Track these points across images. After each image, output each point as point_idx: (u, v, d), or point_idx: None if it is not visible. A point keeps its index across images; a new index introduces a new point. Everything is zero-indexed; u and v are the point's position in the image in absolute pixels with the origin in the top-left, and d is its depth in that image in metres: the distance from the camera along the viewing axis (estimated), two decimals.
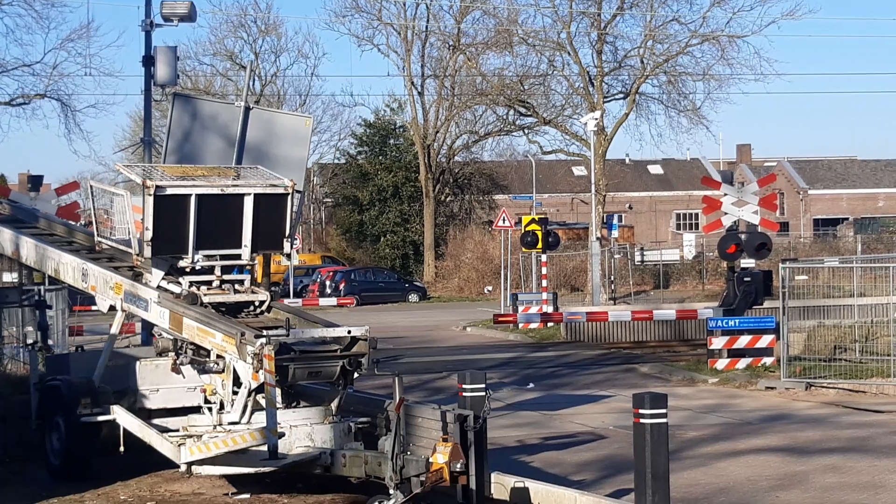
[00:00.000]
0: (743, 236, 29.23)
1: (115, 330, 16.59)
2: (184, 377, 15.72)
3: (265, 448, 13.96)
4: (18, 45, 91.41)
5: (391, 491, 13.26)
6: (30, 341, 20.01)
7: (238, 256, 15.90)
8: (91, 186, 16.71)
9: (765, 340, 27.61)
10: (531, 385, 26.35)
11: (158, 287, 15.77)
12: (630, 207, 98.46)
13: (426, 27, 60.83)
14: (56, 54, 47.78)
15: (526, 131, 68.85)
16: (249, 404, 14.65)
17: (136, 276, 16.17)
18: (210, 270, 15.82)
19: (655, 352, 34.28)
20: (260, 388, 14.18)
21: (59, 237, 18.37)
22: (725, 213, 29.38)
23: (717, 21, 55.91)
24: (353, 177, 79.80)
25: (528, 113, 63.62)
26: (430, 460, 13.13)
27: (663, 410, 12.56)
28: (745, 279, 28.94)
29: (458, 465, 13.08)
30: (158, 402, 16.31)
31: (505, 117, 67.99)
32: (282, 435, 14.17)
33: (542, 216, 48.19)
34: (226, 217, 15.65)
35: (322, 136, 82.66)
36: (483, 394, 14.08)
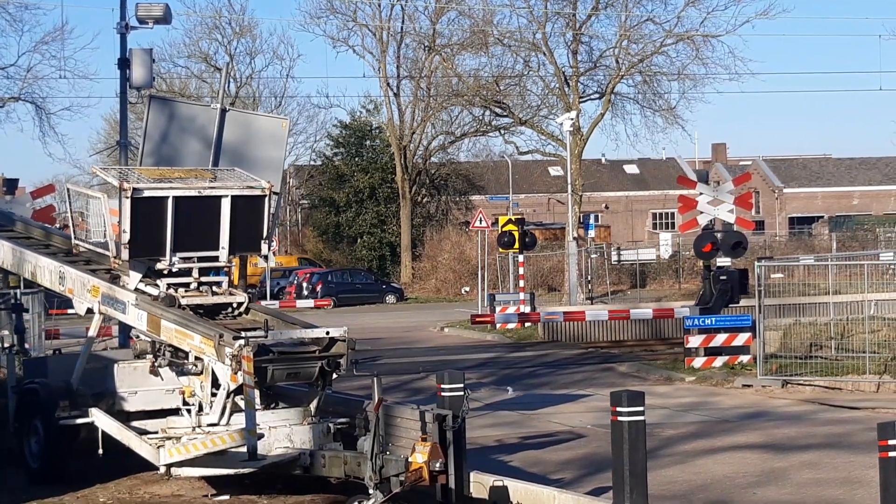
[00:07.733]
0: (719, 235, 29.34)
1: (92, 333, 16.56)
2: (162, 379, 15.72)
3: (244, 449, 13.97)
4: None
5: (371, 491, 13.31)
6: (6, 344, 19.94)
7: (216, 258, 15.90)
8: (68, 189, 16.66)
9: (741, 338, 27.70)
10: (510, 389, 26.31)
11: (136, 289, 15.74)
12: (606, 207, 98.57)
13: (401, 28, 60.91)
14: (30, 57, 47.84)
15: (502, 132, 68.96)
16: (228, 406, 14.65)
17: (114, 279, 16.13)
18: (188, 272, 15.81)
19: (633, 351, 34.31)
20: (239, 390, 14.19)
21: (37, 240, 18.32)
22: (701, 213, 29.47)
23: (692, 21, 56.14)
24: (330, 178, 79.57)
25: (504, 113, 63.74)
26: (410, 460, 13.19)
27: (640, 408, 12.63)
28: (721, 278, 29.06)
29: (438, 465, 13.14)
30: (137, 404, 16.28)
31: (481, 118, 68.09)
32: (261, 436, 14.19)
33: (519, 216, 48.21)
34: (203, 219, 15.64)
35: (298, 137, 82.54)
36: (461, 393, 14.13)
